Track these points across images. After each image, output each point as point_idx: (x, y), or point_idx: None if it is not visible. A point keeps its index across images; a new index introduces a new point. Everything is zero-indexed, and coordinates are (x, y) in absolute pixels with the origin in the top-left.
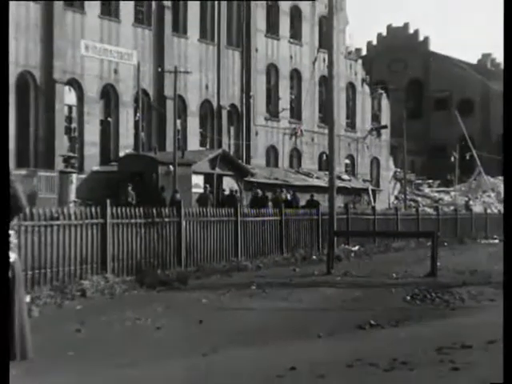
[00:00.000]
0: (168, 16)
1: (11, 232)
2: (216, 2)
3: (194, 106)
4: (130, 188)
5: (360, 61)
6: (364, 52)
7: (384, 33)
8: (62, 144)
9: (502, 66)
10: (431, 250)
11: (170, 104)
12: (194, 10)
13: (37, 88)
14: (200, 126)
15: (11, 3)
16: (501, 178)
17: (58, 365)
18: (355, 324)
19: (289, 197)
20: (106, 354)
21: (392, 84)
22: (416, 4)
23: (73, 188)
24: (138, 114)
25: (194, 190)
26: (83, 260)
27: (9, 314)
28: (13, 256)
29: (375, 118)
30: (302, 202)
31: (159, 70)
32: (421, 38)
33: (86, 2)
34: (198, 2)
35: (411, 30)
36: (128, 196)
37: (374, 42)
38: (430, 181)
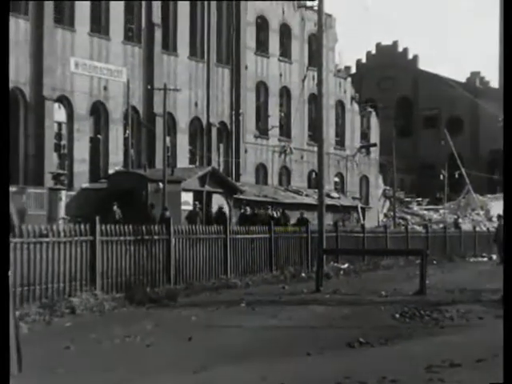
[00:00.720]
0: (158, 33)
1: None
2: (206, 20)
3: (183, 123)
4: (115, 207)
5: (349, 79)
6: (353, 70)
7: (373, 51)
8: (51, 161)
9: (491, 85)
10: (420, 268)
11: (159, 121)
12: (183, 28)
13: (26, 105)
14: (189, 144)
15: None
16: (490, 195)
17: (47, 381)
18: (344, 342)
19: (275, 214)
20: (95, 371)
21: (381, 102)
22: (405, 22)
23: (62, 205)
24: (127, 131)
25: (183, 207)
26: (72, 277)
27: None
28: None
29: (364, 135)
30: (292, 220)
31: (149, 87)
32: (410, 57)
33: (76, 20)
34: (188, 20)
35: (400, 49)
36: (115, 214)
37: (364, 60)
38: (420, 199)
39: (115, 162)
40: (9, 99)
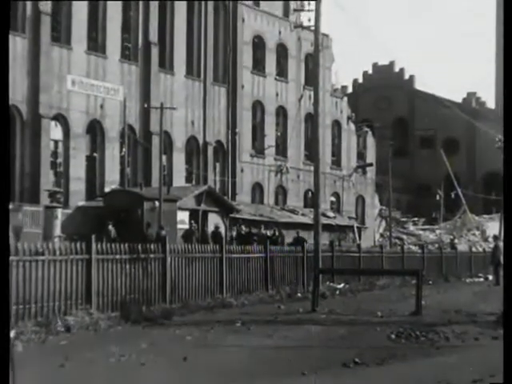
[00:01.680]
0: (155, 52)
1: None
2: (202, 39)
3: (179, 142)
4: (110, 226)
5: (345, 98)
6: (350, 90)
7: (370, 71)
8: (47, 179)
9: (487, 105)
10: (416, 289)
11: (155, 140)
12: (180, 47)
13: (23, 122)
14: (186, 162)
15: None
16: (486, 216)
17: None
18: (340, 362)
19: (268, 233)
20: None
21: (377, 122)
22: (401, 43)
23: (58, 223)
24: (123, 150)
25: (179, 226)
26: (68, 295)
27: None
28: None
29: (361, 155)
30: (288, 239)
31: (145, 105)
32: (406, 77)
33: (72, 38)
34: (185, 38)
35: (397, 69)
36: (110, 233)
37: (360, 80)
38: (416, 219)
39: (111, 180)
40: (9, 118)
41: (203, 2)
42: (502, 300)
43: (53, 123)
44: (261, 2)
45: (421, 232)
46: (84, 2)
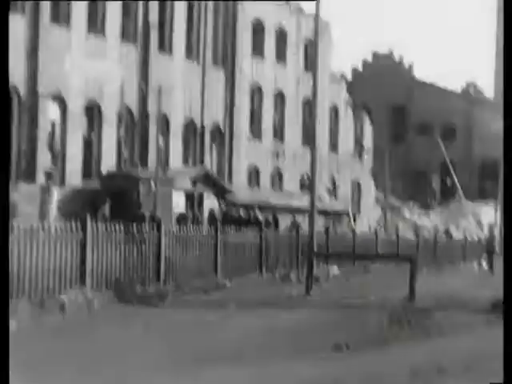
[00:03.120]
0: (154, 34)
1: None
2: (202, 22)
3: (177, 124)
4: (106, 206)
5: (344, 85)
6: (349, 77)
7: (369, 59)
8: (44, 159)
9: (485, 94)
10: (410, 274)
11: (153, 122)
12: (179, 29)
13: (20, 102)
14: (183, 145)
15: None
16: (480, 202)
17: (37, 380)
18: (331, 346)
19: (260, 217)
20: (82, 371)
21: (376, 109)
22: (401, 31)
23: (54, 202)
24: (121, 131)
25: (174, 208)
26: (62, 274)
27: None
28: None
29: (358, 141)
30: (283, 223)
31: (143, 87)
32: (406, 65)
33: (72, 18)
34: (184, 21)
35: (396, 57)
36: (104, 214)
37: (359, 68)
38: (411, 205)
39: (108, 161)
40: (9, 101)
41: None
42: (495, 287)
43: (51, 104)
44: None
45: (416, 218)
46: None
